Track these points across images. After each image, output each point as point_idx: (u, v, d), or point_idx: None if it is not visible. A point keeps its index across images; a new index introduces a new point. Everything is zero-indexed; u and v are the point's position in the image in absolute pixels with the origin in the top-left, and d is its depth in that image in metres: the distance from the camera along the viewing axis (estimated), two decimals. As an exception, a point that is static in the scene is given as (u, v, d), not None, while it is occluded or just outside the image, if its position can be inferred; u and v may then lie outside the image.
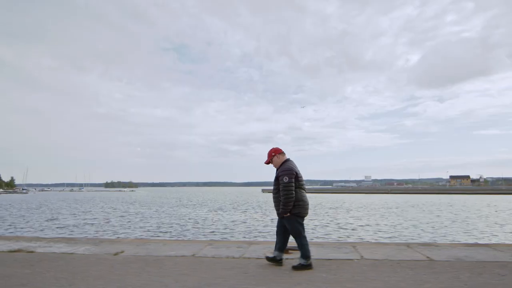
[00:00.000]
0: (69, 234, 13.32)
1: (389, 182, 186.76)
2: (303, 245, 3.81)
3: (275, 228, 4.17)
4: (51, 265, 4.06)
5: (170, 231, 14.08)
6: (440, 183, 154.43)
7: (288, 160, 4.05)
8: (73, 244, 5.50)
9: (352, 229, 14.67)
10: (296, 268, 3.79)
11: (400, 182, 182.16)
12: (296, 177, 3.87)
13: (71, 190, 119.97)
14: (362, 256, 4.37)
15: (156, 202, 41.83)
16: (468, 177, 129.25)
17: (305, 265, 3.77)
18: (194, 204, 35.70)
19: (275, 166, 4.11)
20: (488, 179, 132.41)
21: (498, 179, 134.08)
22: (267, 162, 4.17)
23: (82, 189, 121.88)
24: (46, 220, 19.07)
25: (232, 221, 18.03)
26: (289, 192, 3.74)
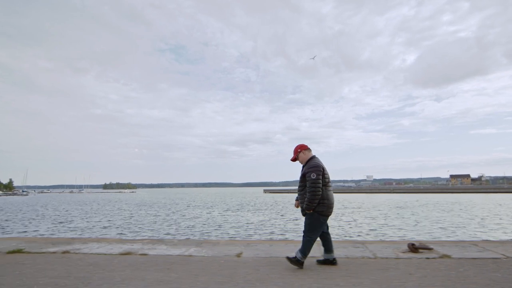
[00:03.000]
0: (132, 236, 13.00)
1: (388, 181, 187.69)
2: (309, 242, 3.72)
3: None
4: (188, 268, 3.83)
5: (218, 232, 13.82)
6: (439, 182, 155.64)
7: (314, 156, 3.94)
8: (172, 245, 5.26)
9: (398, 229, 14.54)
10: (290, 260, 3.74)
11: (398, 181, 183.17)
12: (323, 174, 3.75)
13: (71, 192, 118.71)
14: (504, 255, 4.20)
15: (164, 203, 41.42)
16: (468, 176, 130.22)
17: (299, 261, 3.70)
18: (205, 205, 35.40)
19: (301, 162, 4.01)
20: (487, 178, 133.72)
21: (496, 178, 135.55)
22: (293, 159, 4.06)
23: (82, 191, 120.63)
24: (60, 222, 18.69)
25: (260, 221, 17.82)
26: (316, 189, 3.63)
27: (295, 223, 17.04)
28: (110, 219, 20.13)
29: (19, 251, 4.84)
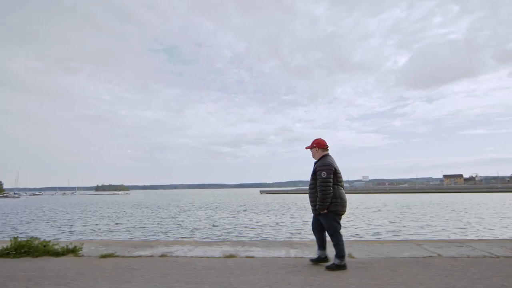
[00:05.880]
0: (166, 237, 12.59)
1: (381, 182, 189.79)
2: (338, 244, 3.67)
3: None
4: (321, 271, 3.66)
5: (258, 234, 13.59)
6: (431, 183, 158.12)
7: (327, 155, 3.90)
8: (264, 247, 5.07)
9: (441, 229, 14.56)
10: (330, 268, 3.64)
11: (391, 182, 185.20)
12: (335, 173, 3.73)
13: (64, 194, 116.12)
14: None
15: (165, 205, 40.83)
16: (461, 176, 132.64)
17: (339, 265, 3.64)
18: (209, 207, 35.03)
19: (313, 157, 4.02)
20: (478, 178, 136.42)
21: (487, 178, 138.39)
22: (308, 148, 4.07)
23: (75, 193, 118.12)
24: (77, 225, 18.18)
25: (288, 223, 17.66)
26: (327, 188, 3.61)
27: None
28: (126, 221, 19.67)
29: (111, 255, 4.58)
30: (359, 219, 18.75)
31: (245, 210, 27.99)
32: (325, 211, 3.65)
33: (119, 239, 11.48)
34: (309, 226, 15.81)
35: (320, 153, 3.91)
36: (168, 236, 12.95)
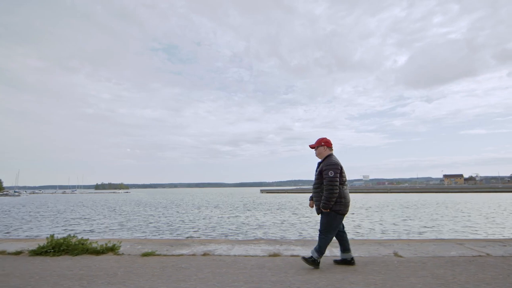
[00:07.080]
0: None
1: (380, 181, 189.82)
2: (326, 241, 3.65)
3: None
4: (375, 269, 3.61)
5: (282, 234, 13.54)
6: (431, 182, 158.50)
7: (332, 154, 3.86)
8: (301, 245, 5.01)
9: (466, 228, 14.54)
10: (306, 260, 3.67)
11: (390, 181, 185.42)
12: (340, 172, 3.69)
13: (64, 193, 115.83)
14: None
15: (170, 203, 40.74)
16: (461, 176, 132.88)
17: (316, 261, 3.64)
18: (215, 205, 34.98)
19: (317, 155, 3.96)
20: (479, 178, 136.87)
21: (487, 177, 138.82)
22: (312, 147, 4.01)
23: (75, 191, 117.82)
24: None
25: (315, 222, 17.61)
26: (334, 187, 3.57)
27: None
28: (129, 220, 19.58)
29: (152, 254, 4.52)
30: (374, 217, 18.72)
31: (249, 210, 27.94)
32: (328, 210, 3.61)
33: (150, 237, 11.42)
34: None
35: (328, 152, 3.87)
36: (190, 234, 12.91)
